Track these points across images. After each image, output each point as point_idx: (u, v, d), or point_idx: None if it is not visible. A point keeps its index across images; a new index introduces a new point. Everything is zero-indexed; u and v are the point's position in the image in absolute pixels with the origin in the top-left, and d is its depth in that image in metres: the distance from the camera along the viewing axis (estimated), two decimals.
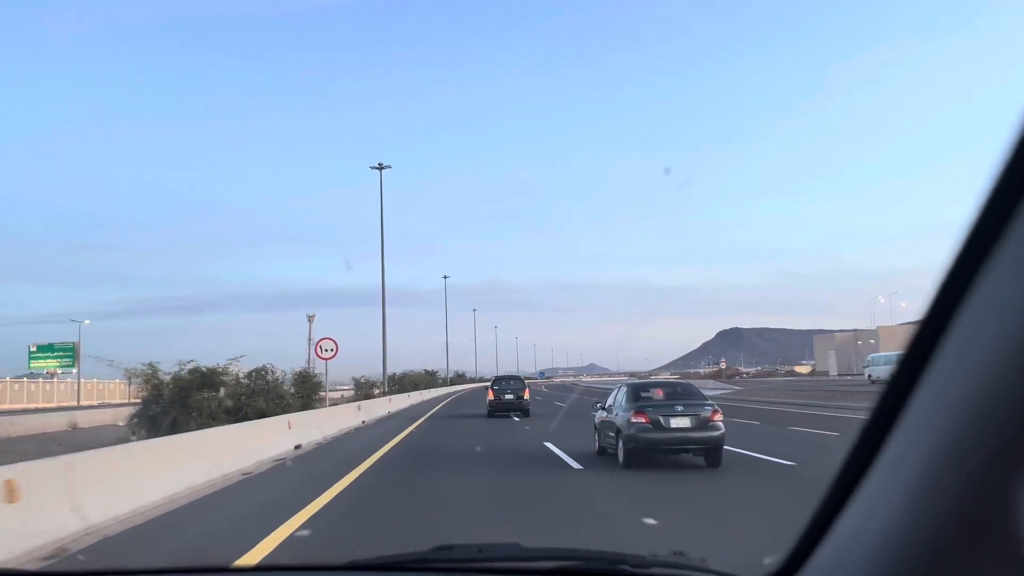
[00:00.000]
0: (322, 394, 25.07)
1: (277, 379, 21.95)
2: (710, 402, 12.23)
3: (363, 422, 24.58)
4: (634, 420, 11.44)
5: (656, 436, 11.35)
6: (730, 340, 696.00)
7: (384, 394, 40.74)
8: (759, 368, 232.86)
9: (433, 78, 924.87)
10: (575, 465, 12.36)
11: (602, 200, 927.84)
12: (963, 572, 1.01)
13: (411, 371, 64.16)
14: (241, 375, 20.68)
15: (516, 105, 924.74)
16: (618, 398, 12.81)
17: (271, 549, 6.59)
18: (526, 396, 28.48)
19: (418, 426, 23.53)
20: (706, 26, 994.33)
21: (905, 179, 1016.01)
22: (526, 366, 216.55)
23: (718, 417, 11.59)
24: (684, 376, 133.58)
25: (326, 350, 25.17)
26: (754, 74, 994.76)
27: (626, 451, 11.64)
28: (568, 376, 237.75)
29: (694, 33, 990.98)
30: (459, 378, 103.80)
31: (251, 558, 6.23)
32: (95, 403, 57.18)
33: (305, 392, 23.75)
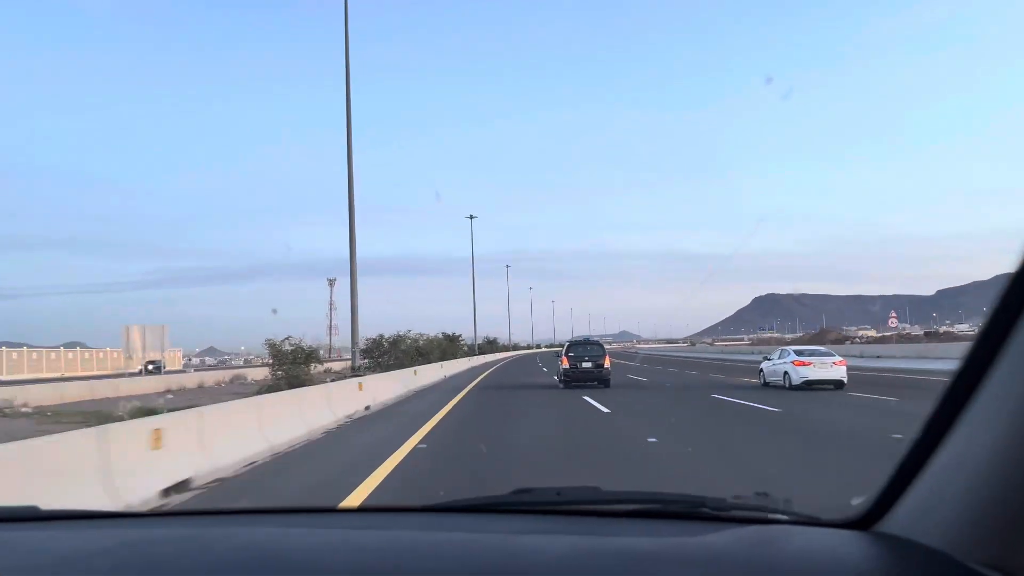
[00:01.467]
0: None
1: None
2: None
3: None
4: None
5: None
6: (766, 306, 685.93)
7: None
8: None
9: (459, 36, 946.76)
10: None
11: (634, 165, 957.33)
12: None
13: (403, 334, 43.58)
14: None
15: (545, 64, 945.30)
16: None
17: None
18: (607, 364, 24.46)
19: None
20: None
21: (946, 142, 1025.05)
22: (562, 333, 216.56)
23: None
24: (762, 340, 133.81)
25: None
26: (790, 30, 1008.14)
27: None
28: (611, 344, 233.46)
29: None
30: (490, 345, 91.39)
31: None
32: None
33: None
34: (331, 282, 71.30)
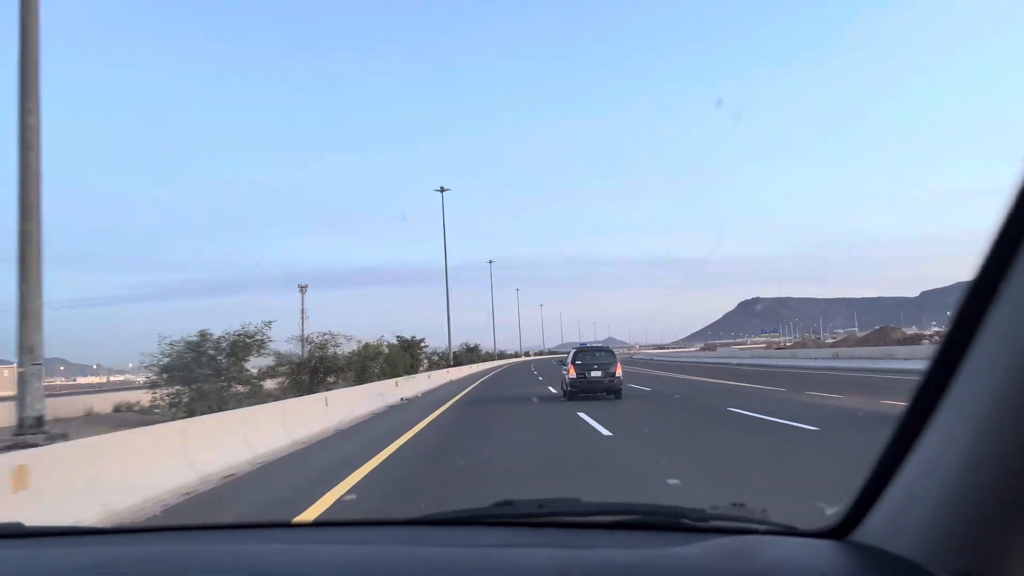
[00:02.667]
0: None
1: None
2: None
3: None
4: None
5: None
6: (752, 310, 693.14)
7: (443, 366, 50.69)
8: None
9: (443, 47, 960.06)
10: None
11: (618, 172, 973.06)
12: None
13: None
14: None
15: (527, 70, 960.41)
16: None
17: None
18: (618, 373, 21.91)
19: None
20: None
21: (920, 145, 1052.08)
22: (551, 340, 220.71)
23: None
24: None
25: None
26: (765, 37, 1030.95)
27: None
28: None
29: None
30: (469, 353, 78.60)
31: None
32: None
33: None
34: (302, 289, 69.93)
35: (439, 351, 58.22)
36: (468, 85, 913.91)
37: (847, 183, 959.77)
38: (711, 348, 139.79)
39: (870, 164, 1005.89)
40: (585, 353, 22.95)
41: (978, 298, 1.08)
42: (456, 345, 70.72)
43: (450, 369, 49.47)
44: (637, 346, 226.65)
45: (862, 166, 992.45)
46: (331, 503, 7.78)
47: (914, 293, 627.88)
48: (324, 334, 29.77)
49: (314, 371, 27.90)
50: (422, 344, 47.12)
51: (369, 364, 32.41)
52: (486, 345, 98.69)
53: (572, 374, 22.04)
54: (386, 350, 37.86)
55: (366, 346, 33.66)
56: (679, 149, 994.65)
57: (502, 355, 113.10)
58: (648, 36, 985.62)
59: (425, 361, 51.69)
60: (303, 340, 30.30)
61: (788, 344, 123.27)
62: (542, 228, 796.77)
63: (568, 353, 24.30)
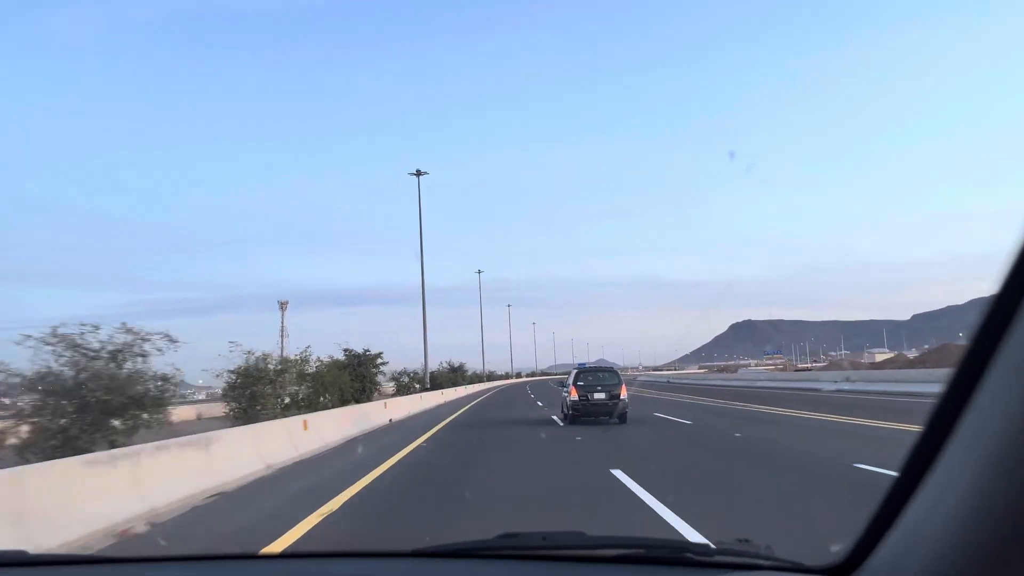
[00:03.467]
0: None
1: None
2: None
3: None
4: None
5: None
6: (744, 332, 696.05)
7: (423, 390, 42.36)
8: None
9: (436, 69, 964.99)
10: None
11: (610, 194, 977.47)
12: None
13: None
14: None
15: (521, 99, 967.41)
16: None
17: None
18: (623, 395, 20.02)
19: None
20: (718, 16, 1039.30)
21: (910, 170, 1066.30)
22: (544, 361, 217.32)
23: None
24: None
25: None
26: (757, 62, 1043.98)
27: None
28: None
29: (705, 22, 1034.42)
30: (452, 375, 66.48)
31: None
32: None
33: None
34: (283, 305, 62.76)
35: (412, 371, 48.24)
36: (459, 107, 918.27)
37: (838, 207, 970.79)
38: (731, 370, 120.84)
39: (861, 189, 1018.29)
40: (588, 374, 21.48)
41: (989, 331, 1.06)
42: (436, 364, 61.50)
43: (424, 395, 38.50)
44: (640, 366, 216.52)
45: (853, 191, 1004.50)
46: None
47: (905, 316, 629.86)
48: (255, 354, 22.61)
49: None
50: (378, 361, 34.63)
51: (260, 391, 21.60)
52: (474, 365, 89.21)
53: (574, 396, 20.42)
54: (313, 368, 26.48)
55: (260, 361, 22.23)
56: (671, 172, 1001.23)
57: (491, 376, 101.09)
58: (641, 61, 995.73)
59: (391, 384, 44.81)
60: (283, 360, 27.01)
61: (804, 366, 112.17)
62: (533, 249, 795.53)
63: (569, 374, 22.83)
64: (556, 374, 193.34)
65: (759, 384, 50.46)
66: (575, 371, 21.89)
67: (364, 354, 34.20)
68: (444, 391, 46.84)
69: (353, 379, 31.19)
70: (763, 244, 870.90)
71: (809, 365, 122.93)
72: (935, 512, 1.18)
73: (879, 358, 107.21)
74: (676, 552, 1.81)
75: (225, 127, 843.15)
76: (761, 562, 1.73)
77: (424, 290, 44.29)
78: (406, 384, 47.58)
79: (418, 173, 44.17)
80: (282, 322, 57.10)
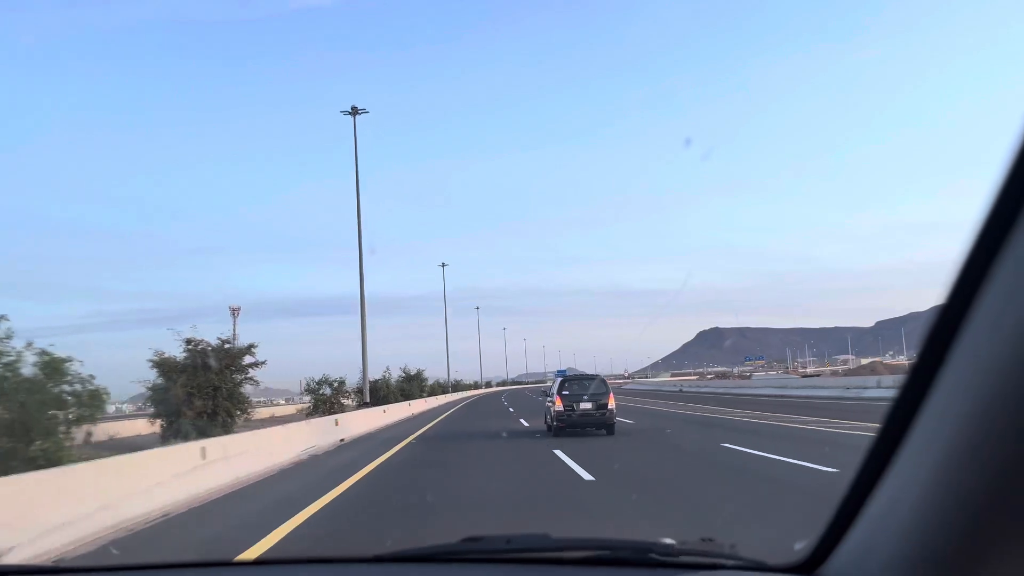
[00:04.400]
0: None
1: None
2: None
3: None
4: None
5: None
6: (711, 340, 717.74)
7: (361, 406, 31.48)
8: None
9: (406, 78, 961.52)
10: None
11: (577, 203, 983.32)
12: (995, 550, 1.01)
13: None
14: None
15: (488, 106, 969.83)
16: None
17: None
18: (611, 404, 18.83)
19: None
20: (692, 25, 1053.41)
21: (871, 179, 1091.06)
22: (515, 370, 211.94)
23: None
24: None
25: None
26: (721, 71, 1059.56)
27: None
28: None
29: (678, 33, 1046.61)
30: (407, 385, 52.64)
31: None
32: None
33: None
34: (234, 311, 57.56)
35: (336, 380, 35.86)
36: (427, 113, 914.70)
37: (801, 215, 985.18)
38: (737, 376, 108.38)
39: (822, 197, 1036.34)
40: (573, 382, 20.01)
41: (942, 331, 1.07)
42: (384, 373, 49.15)
43: (361, 412, 27.95)
44: (627, 372, 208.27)
45: (815, 199, 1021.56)
46: None
47: (870, 323, 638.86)
48: None
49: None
50: (242, 361, 23.57)
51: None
52: (440, 373, 78.78)
53: (559, 406, 19.14)
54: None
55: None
56: (639, 182, 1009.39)
57: (458, 386, 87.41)
58: (614, 68, 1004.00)
59: (305, 399, 34.07)
60: None
61: (813, 372, 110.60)
62: (502, 258, 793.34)
63: (552, 382, 22.02)
64: (527, 382, 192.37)
65: (809, 393, 42.39)
66: (559, 379, 20.45)
67: (223, 348, 23.09)
68: (390, 408, 34.39)
69: (194, 390, 21.39)
70: (729, 252, 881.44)
71: (818, 371, 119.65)
72: (896, 507, 1.19)
73: (869, 362, 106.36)
74: (640, 553, 1.85)
75: (225, 147, 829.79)
76: (725, 561, 1.76)
77: (362, 269, 34.05)
78: (327, 399, 34.70)
79: (353, 111, 34.35)
80: (234, 329, 53.53)
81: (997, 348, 0.96)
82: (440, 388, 70.20)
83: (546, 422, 20.86)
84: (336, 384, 36.01)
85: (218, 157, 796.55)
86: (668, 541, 1.84)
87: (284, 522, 8.28)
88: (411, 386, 53.19)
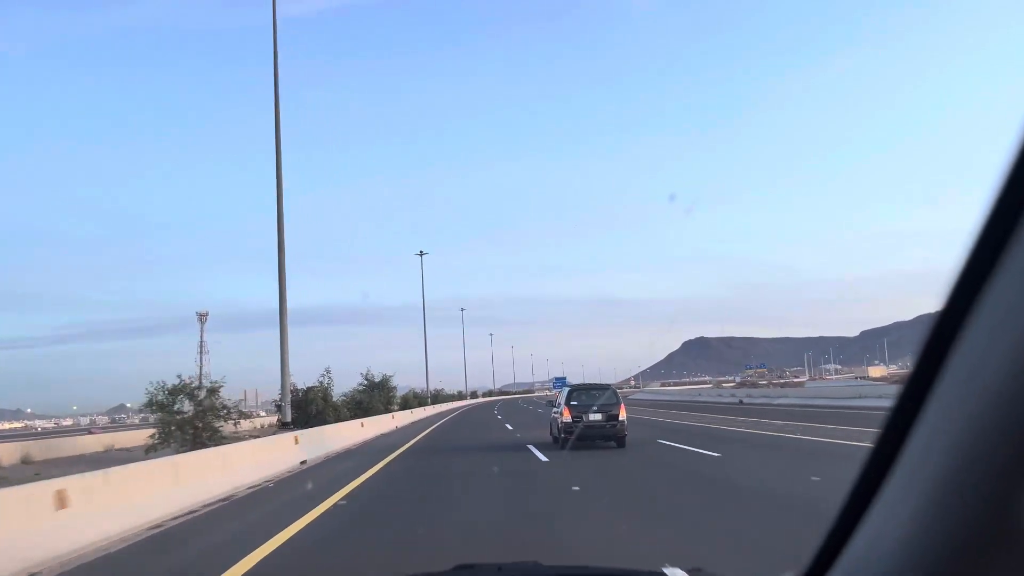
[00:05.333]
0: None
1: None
2: None
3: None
4: None
5: None
6: (696, 349, 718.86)
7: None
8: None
9: (382, 87, 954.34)
10: None
11: (562, 213, 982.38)
12: (993, 564, 0.98)
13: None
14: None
15: (470, 115, 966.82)
16: None
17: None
18: (622, 416, 18.11)
19: None
20: (671, 36, 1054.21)
21: (852, 189, 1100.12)
22: (502, 379, 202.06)
23: None
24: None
25: None
26: (705, 83, 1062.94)
27: None
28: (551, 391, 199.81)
29: (656, 41, 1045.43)
30: (368, 392, 41.29)
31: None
32: None
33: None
34: (201, 317, 51.46)
35: (232, 402, 24.44)
36: (414, 124, 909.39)
37: (785, 226, 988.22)
38: (788, 384, 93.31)
39: (805, 208, 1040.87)
40: (582, 392, 19.55)
41: (939, 340, 1.06)
42: (321, 379, 33.36)
43: (257, 443, 17.26)
44: (633, 381, 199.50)
45: (798, 210, 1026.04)
46: None
47: (854, 333, 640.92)
48: None
49: None
50: (216, 407, 20.84)
51: None
52: (414, 383, 69.93)
53: (567, 417, 18.56)
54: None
55: None
56: (624, 192, 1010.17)
57: (437, 397, 76.55)
58: (592, 81, 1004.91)
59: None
60: (200, 379, 23.77)
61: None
62: (488, 267, 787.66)
63: (560, 392, 21.86)
64: (513, 392, 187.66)
65: (837, 403, 37.16)
66: (567, 389, 20.03)
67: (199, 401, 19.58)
68: (327, 429, 24.01)
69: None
70: (714, 262, 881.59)
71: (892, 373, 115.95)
72: (886, 532, 1.18)
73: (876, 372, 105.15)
74: None
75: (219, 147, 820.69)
76: None
77: (282, 258, 23.32)
78: (187, 421, 22.19)
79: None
80: (201, 336, 47.87)
81: (995, 358, 0.94)
82: (416, 400, 58.95)
83: (552, 434, 20.45)
84: (205, 393, 23.01)
85: (196, 163, 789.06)
86: (665, 570, 2.07)
87: None
88: (372, 398, 40.21)
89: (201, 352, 46.16)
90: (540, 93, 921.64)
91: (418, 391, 65.39)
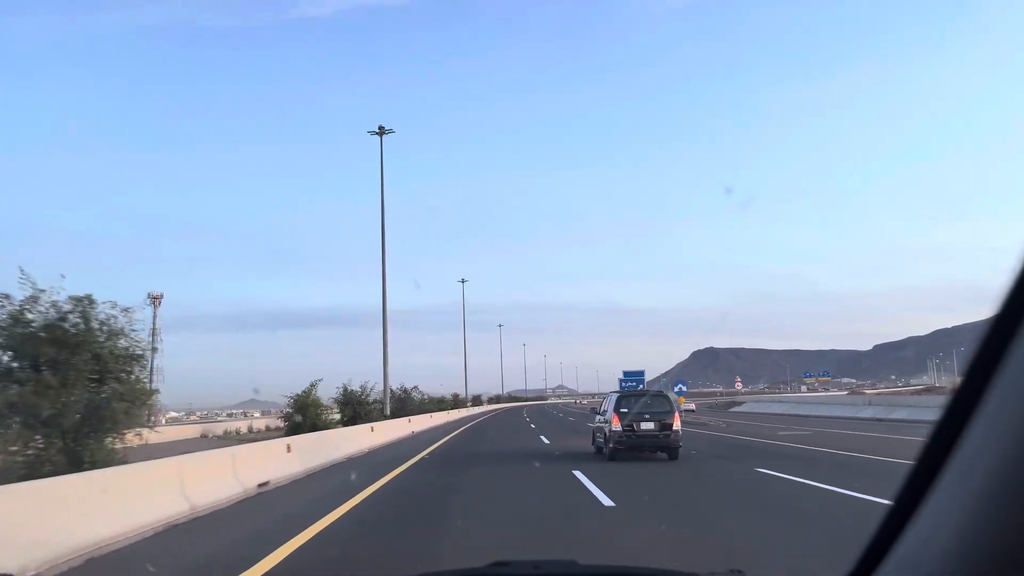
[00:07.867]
0: None
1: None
2: None
3: None
4: None
5: None
6: (706, 360, 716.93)
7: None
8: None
9: (398, 88, 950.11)
10: None
11: (571, 219, 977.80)
12: None
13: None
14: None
15: (479, 124, 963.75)
16: None
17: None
18: (676, 426, 17.14)
19: None
20: (682, 48, 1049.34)
21: (867, 205, 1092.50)
22: (510, 384, 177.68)
23: None
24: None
25: None
26: (722, 95, 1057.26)
27: None
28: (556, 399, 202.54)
29: (665, 55, 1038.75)
30: (348, 407, 31.84)
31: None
32: None
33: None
34: (154, 300, 46.55)
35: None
36: (420, 130, 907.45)
37: (797, 239, 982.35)
38: (928, 390, 79.26)
39: (820, 222, 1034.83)
40: (632, 399, 18.32)
41: (988, 354, 1.04)
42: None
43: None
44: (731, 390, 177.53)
45: (812, 223, 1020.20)
46: None
47: (867, 347, 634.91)
48: None
49: None
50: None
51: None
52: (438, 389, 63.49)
53: (617, 426, 17.40)
54: None
55: None
56: (635, 201, 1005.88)
57: (440, 401, 62.96)
58: (604, 88, 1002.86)
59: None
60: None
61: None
62: (495, 274, 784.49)
63: (605, 398, 20.55)
64: (525, 398, 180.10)
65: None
66: (616, 396, 18.79)
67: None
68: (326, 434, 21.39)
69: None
70: (724, 272, 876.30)
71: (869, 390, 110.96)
72: (929, 545, 1.16)
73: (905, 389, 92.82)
74: None
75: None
76: None
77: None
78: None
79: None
80: (154, 321, 43.90)
81: None
82: (407, 406, 46.51)
83: (595, 443, 19.77)
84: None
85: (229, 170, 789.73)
86: (695, 572, 1.87)
87: None
88: (356, 408, 33.38)
89: (153, 336, 41.89)
90: (557, 103, 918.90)
91: (409, 391, 57.34)
